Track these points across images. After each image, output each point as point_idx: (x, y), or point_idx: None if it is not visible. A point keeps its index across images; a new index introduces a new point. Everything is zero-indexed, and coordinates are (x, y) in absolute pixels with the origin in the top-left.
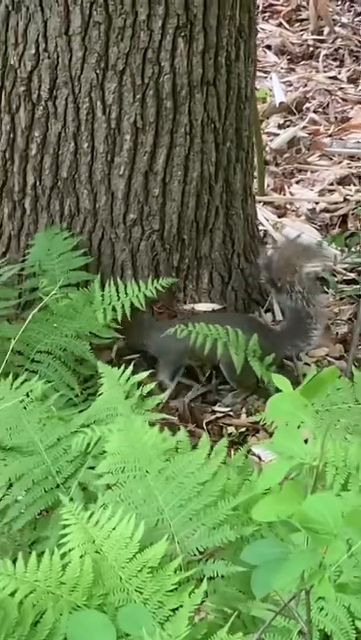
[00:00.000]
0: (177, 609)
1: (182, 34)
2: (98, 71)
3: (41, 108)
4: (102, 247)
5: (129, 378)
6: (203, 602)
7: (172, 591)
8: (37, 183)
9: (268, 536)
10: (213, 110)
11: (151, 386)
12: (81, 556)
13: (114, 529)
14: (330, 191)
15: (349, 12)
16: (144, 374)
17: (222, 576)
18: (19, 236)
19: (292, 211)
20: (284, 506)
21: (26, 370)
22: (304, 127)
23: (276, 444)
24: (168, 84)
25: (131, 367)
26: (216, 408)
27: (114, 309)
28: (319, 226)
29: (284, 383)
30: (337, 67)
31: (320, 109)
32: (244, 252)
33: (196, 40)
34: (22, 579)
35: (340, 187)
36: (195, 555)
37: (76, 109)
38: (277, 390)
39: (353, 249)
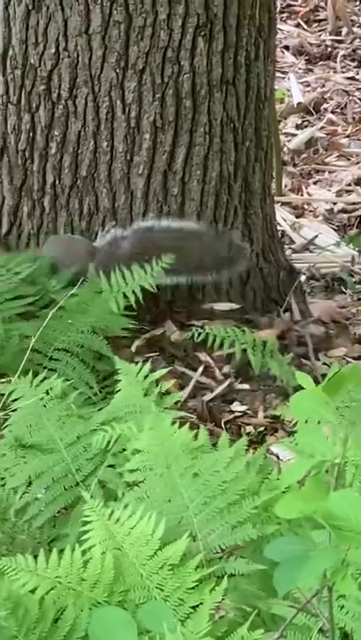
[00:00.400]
0: (197, 606)
1: (202, 33)
2: (118, 70)
3: (61, 106)
4: None
5: (147, 375)
6: (222, 600)
7: (192, 588)
8: (57, 182)
9: (287, 534)
10: (233, 110)
11: (170, 383)
12: (102, 553)
13: (135, 526)
14: (347, 191)
15: None
16: (163, 371)
17: (242, 574)
18: (38, 235)
19: (310, 211)
20: (307, 503)
21: (44, 368)
22: (322, 128)
23: (298, 441)
24: (188, 84)
25: (149, 364)
26: (234, 407)
27: (125, 296)
28: (337, 226)
29: (306, 381)
30: (355, 67)
31: (338, 110)
32: (262, 252)
33: (216, 39)
34: (43, 575)
35: (358, 187)
36: (216, 552)
37: (95, 108)
38: (296, 389)
39: None
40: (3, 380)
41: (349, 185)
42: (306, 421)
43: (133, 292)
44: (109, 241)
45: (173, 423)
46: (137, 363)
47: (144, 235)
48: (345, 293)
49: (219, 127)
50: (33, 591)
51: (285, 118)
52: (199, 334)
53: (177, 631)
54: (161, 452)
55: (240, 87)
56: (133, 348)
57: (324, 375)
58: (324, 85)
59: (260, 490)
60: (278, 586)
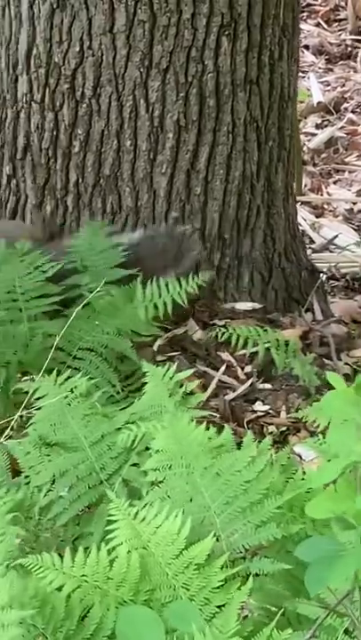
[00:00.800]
0: (223, 606)
1: (226, 32)
2: (142, 69)
3: (84, 105)
4: None
5: (172, 376)
6: (247, 599)
7: (218, 588)
8: (80, 181)
9: (312, 534)
10: (256, 109)
11: (194, 384)
12: (128, 552)
13: (160, 525)
14: None
15: None
16: (188, 372)
17: (266, 574)
18: (60, 234)
19: (330, 211)
20: (338, 503)
21: (68, 367)
22: (342, 127)
23: (330, 440)
24: (211, 83)
25: (174, 365)
26: (256, 407)
27: (155, 307)
28: (357, 226)
29: (337, 380)
30: None
31: (358, 109)
32: (284, 252)
33: (240, 39)
34: (69, 573)
35: None
36: (240, 552)
37: (119, 107)
38: (319, 389)
39: None
40: (26, 377)
41: None
42: (332, 422)
43: (165, 303)
44: None
45: (194, 422)
46: (159, 362)
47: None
48: None
49: (242, 126)
50: (59, 589)
51: (305, 118)
52: (223, 334)
53: (206, 630)
54: (179, 451)
55: (264, 87)
56: (155, 347)
57: (346, 375)
58: (344, 85)
59: (285, 489)
60: (310, 586)
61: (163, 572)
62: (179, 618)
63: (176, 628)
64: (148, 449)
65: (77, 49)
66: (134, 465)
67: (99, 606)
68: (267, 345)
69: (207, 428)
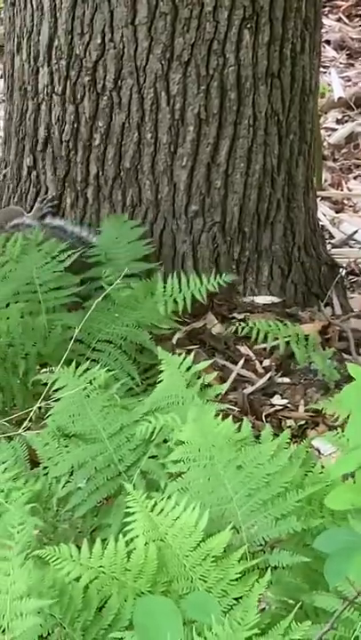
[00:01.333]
0: (240, 598)
1: (248, 25)
2: (163, 62)
3: (105, 98)
4: (163, 238)
5: (190, 367)
6: (264, 592)
7: (236, 580)
8: (100, 173)
9: (331, 527)
10: (277, 102)
11: (212, 376)
12: (145, 544)
13: (178, 517)
14: None
15: None
16: (205, 363)
17: (284, 567)
18: (81, 225)
19: (350, 206)
20: (358, 495)
21: (87, 359)
22: None
23: (349, 432)
24: (233, 76)
25: (191, 356)
26: (275, 401)
27: (175, 302)
28: None
29: (359, 372)
30: None
31: None
32: (304, 246)
33: (262, 32)
34: (87, 564)
35: None
36: (260, 545)
37: (140, 100)
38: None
39: None
40: (45, 369)
41: None
42: (352, 414)
43: (184, 298)
44: (14, 224)
45: (216, 415)
46: (178, 355)
47: (50, 231)
48: None
49: (263, 120)
50: (77, 580)
51: (326, 113)
52: (243, 328)
53: (225, 622)
54: (204, 443)
55: (285, 80)
56: (174, 341)
57: None
58: None
59: (304, 483)
60: (329, 577)
61: (180, 564)
62: (197, 609)
63: (194, 619)
64: (166, 441)
65: (99, 41)
66: (153, 457)
67: (116, 597)
68: (287, 339)
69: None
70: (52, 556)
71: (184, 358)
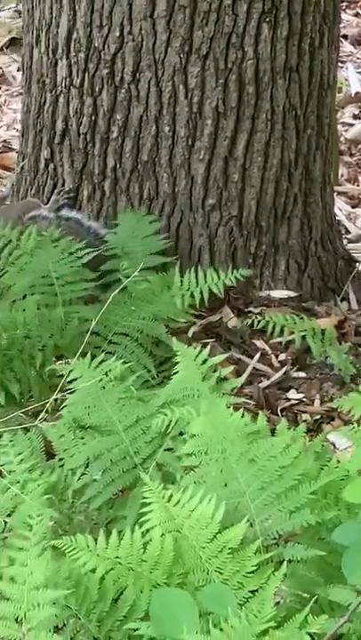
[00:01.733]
0: (256, 591)
1: (267, 19)
2: (181, 55)
3: (123, 90)
4: (180, 231)
5: (206, 360)
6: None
7: (251, 573)
8: (117, 166)
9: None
10: (295, 97)
11: (228, 370)
12: (162, 535)
13: (194, 509)
14: None
15: None
16: (221, 357)
17: (299, 560)
18: (97, 219)
19: None
20: None
21: (103, 351)
22: None
23: None
24: (251, 70)
25: (207, 349)
26: (290, 395)
27: (192, 295)
28: None
29: None
30: None
31: None
32: (321, 241)
33: (281, 26)
34: (103, 555)
35: None
36: (274, 538)
37: (158, 93)
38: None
39: None
40: (62, 361)
41: None
42: None
43: (201, 292)
44: (31, 216)
45: (230, 409)
46: (194, 348)
47: (66, 223)
48: None
49: (281, 114)
50: (93, 571)
51: (343, 108)
52: (259, 321)
53: (242, 614)
54: (216, 436)
55: (303, 74)
56: (190, 334)
57: None
58: None
59: (319, 476)
60: (347, 570)
61: (196, 556)
62: (213, 601)
63: (210, 610)
64: (182, 434)
65: (117, 34)
66: (168, 449)
67: (132, 588)
68: (303, 333)
69: (242, 415)
70: (69, 546)
71: (200, 351)
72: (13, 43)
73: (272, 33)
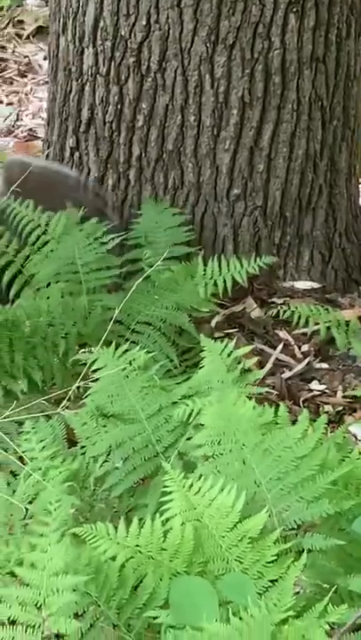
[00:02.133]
0: (276, 580)
1: (294, 9)
2: (208, 44)
3: (149, 79)
4: (205, 221)
5: (231, 352)
6: (299, 575)
7: (271, 562)
8: (143, 155)
9: None
10: (321, 87)
11: (252, 361)
12: (182, 524)
13: (215, 498)
14: None
15: None
16: (246, 349)
17: (318, 550)
18: (122, 207)
19: None
20: None
21: (126, 340)
22: None
23: None
24: (277, 60)
25: (233, 341)
26: (313, 386)
27: (215, 284)
28: None
29: None
30: None
31: None
32: (345, 232)
33: (308, 16)
34: (123, 543)
35: None
36: (292, 528)
37: (184, 82)
38: None
39: None
40: (85, 349)
41: None
42: None
43: (224, 281)
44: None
45: (244, 399)
46: (217, 338)
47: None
48: None
49: (307, 105)
50: (113, 559)
51: None
52: (284, 311)
53: (262, 604)
54: (228, 427)
55: (330, 65)
56: (213, 324)
57: None
58: None
59: (339, 467)
60: None
61: (216, 545)
62: (233, 590)
63: (230, 599)
64: (203, 424)
65: (144, 22)
66: (190, 439)
67: (152, 577)
68: (327, 324)
69: (263, 406)
70: (89, 534)
71: (226, 344)
72: (40, 31)
73: (299, 23)
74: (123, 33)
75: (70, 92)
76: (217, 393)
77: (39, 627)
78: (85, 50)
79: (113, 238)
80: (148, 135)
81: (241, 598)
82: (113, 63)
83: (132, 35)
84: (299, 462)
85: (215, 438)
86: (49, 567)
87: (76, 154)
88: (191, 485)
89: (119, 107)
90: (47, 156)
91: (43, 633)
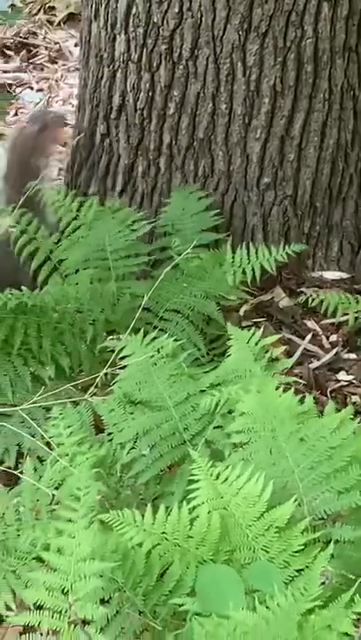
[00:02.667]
0: (302, 570)
1: None
2: (240, 32)
3: (181, 67)
4: (234, 210)
5: (258, 341)
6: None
7: (298, 552)
8: (173, 142)
9: None
10: (354, 77)
11: (280, 350)
12: (208, 512)
13: (242, 487)
14: None
15: None
16: (274, 337)
17: (345, 541)
18: (152, 195)
19: None
20: None
21: (154, 327)
22: None
23: None
24: (310, 49)
25: (261, 330)
26: (340, 376)
27: (244, 272)
28: None
29: None
30: None
31: None
32: None
33: (341, 5)
34: (150, 530)
35: None
36: (321, 518)
37: (216, 70)
38: None
39: None
40: (113, 336)
41: None
42: None
43: (253, 269)
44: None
45: (278, 388)
46: (244, 327)
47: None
48: None
49: (339, 94)
50: (139, 545)
51: None
52: (313, 299)
53: (288, 593)
54: (266, 415)
55: None
56: (241, 313)
57: None
58: None
59: None
60: None
61: (243, 534)
62: (260, 578)
63: (256, 588)
64: (231, 412)
65: (177, 10)
66: (218, 427)
67: (178, 564)
68: (356, 314)
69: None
70: (116, 520)
71: (253, 333)
72: (71, 18)
73: (332, 12)
74: (155, 20)
75: (102, 78)
76: (255, 380)
77: (65, 612)
78: (117, 36)
79: (144, 225)
80: (179, 123)
81: (267, 587)
82: (145, 50)
83: (165, 22)
84: (332, 452)
85: (251, 425)
86: (77, 553)
87: (107, 140)
88: (219, 474)
89: (150, 94)
90: (77, 142)
91: (69, 618)
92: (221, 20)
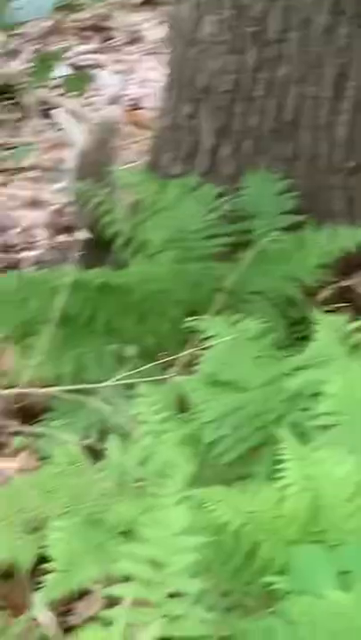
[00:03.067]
0: None
1: None
2: (330, 16)
3: (269, 49)
4: (318, 193)
5: (343, 325)
6: None
7: None
8: (259, 125)
9: None
10: None
11: None
12: (297, 492)
13: (331, 468)
14: None
15: None
16: (359, 322)
17: None
18: (235, 178)
19: None
20: None
21: (237, 309)
22: None
23: None
24: None
25: (347, 315)
26: None
27: (326, 256)
28: None
29: None
30: None
31: None
32: None
33: None
34: (239, 509)
35: None
36: None
37: (305, 53)
38: None
39: None
40: (195, 317)
41: None
42: None
43: (335, 253)
44: None
45: None
46: (326, 312)
47: None
48: None
49: None
50: (227, 524)
51: None
52: None
53: None
54: (352, 397)
55: None
56: (322, 297)
57: None
58: None
59: None
60: None
61: (332, 515)
62: (352, 560)
63: (348, 570)
64: (316, 395)
65: None
66: (303, 409)
67: (268, 543)
68: None
69: None
70: (206, 498)
71: (339, 318)
72: (147, 2)
73: None
74: (244, 2)
75: (187, 59)
76: (342, 362)
77: (158, 585)
78: (205, 17)
79: (223, 205)
80: (265, 106)
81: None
82: (232, 32)
83: (255, 4)
84: None
85: (339, 408)
86: (170, 527)
87: (192, 122)
88: (307, 455)
89: (237, 76)
90: (161, 123)
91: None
92: (312, 2)
